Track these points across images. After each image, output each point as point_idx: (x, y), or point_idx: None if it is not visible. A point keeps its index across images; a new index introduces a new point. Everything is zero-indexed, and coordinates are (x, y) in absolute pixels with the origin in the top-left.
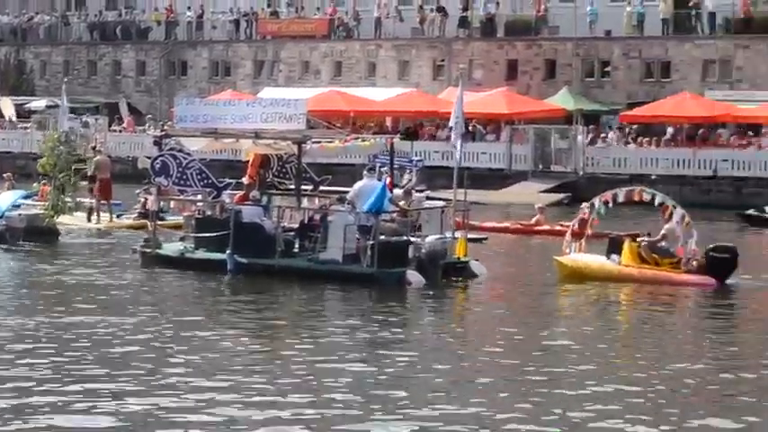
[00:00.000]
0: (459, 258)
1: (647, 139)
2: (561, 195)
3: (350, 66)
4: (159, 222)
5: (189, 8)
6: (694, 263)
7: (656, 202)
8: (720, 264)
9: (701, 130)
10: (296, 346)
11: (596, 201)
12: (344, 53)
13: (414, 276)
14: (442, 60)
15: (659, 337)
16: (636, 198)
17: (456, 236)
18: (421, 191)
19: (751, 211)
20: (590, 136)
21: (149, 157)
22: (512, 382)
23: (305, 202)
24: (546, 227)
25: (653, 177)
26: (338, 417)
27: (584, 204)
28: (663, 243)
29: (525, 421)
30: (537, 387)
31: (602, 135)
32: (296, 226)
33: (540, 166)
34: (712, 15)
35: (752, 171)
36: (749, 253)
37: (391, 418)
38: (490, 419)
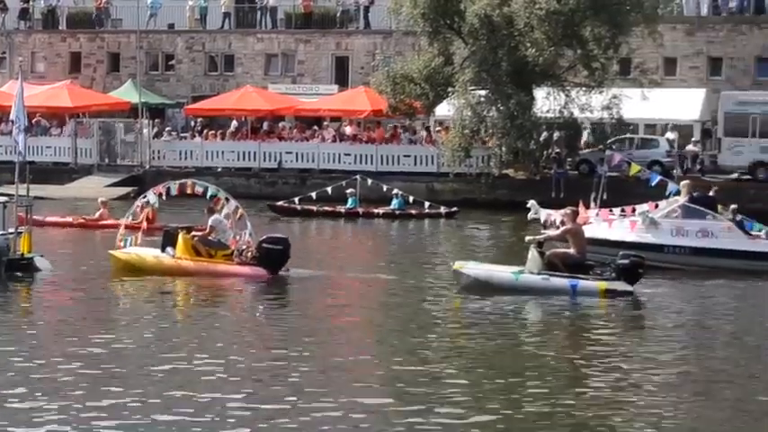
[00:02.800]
0: (23, 254)
1: (212, 132)
2: (128, 189)
3: None
4: None
5: None
6: (249, 254)
7: (208, 195)
8: (272, 254)
9: (265, 123)
10: None
11: (150, 194)
12: None
13: None
14: (3, 53)
15: (212, 329)
16: (189, 191)
17: (20, 231)
18: None
19: (281, 203)
20: (155, 129)
21: None
22: (70, 375)
23: None
24: (110, 221)
25: (219, 170)
26: None
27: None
28: (213, 235)
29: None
30: (82, 384)
31: (168, 128)
32: None
33: (107, 160)
34: (274, 10)
35: (315, 163)
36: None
37: None
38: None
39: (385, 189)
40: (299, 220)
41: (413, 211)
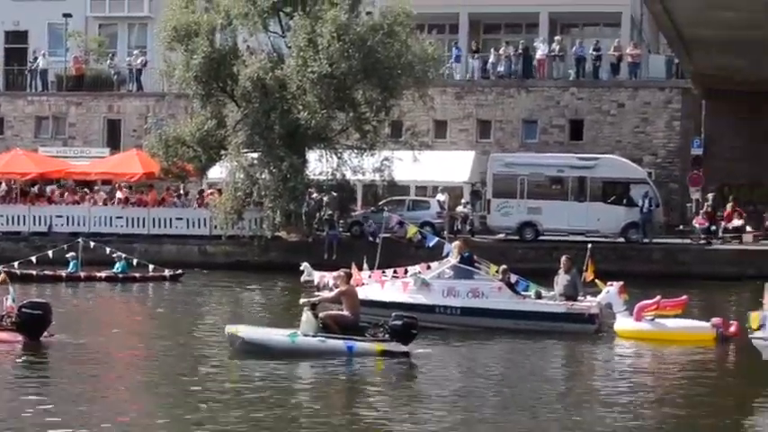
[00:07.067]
0: None
1: None
2: None
3: None
4: None
5: None
6: (8, 320)
7: None
8: (32, 320)
9: (36, 186)
10: None
11: None
12: None
13: None
14: None
15: None
16: None
17: None
18: None
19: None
20: None
21: None
22: None
23: None
24: None
25: None
26: None
27: None
28: None
29: None
30: None
31: None
32: None
33: None
34: (45, 72)
35: (86, 226)
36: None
37: None
38: None
39: (108, 251)
40: (19, 284)
41: (136, 275)
